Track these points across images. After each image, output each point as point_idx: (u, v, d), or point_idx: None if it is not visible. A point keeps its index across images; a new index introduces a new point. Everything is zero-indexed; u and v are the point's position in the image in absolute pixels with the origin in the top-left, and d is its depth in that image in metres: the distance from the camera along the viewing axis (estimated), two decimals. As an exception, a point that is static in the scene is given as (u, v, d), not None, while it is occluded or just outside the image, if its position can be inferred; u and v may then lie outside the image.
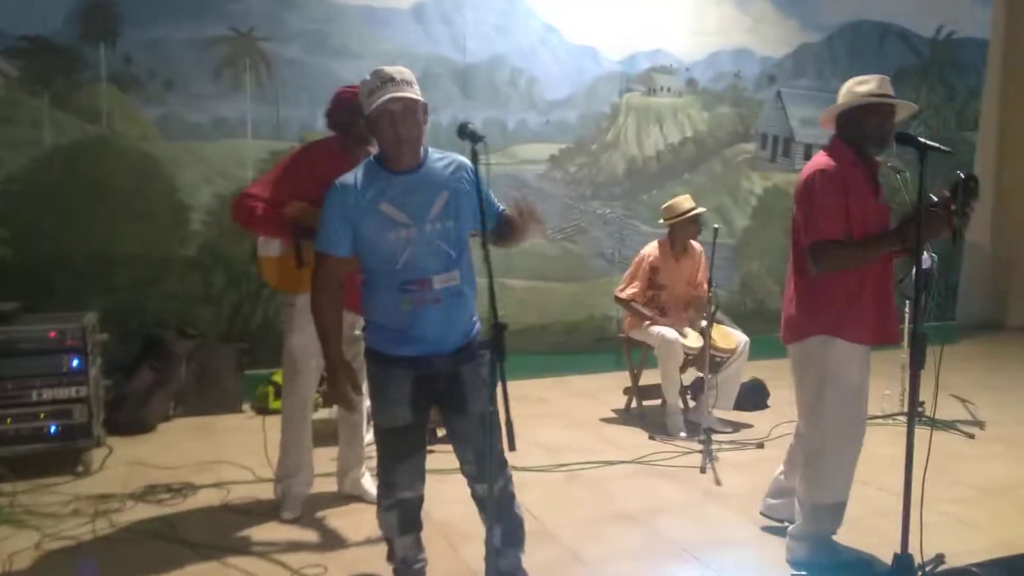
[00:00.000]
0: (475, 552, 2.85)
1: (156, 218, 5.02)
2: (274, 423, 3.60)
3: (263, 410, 4.87)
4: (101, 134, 4.86)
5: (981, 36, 7.47)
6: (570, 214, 6.19)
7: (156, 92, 4.96)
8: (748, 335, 4.82)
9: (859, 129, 2.83)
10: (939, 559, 2.83)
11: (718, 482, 3.90)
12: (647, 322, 4.81)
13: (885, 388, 5.10)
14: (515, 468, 3.97)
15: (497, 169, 5.90)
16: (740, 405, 5.22)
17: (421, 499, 2.58)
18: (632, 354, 5.14)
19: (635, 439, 4.62)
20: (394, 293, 2.33)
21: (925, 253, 4.90)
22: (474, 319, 2.50)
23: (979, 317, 8.49)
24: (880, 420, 4.94)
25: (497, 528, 2.48)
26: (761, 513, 3.37)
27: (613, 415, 5.18)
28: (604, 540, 3.27)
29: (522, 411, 5.25)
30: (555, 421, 5.02)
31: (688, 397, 5.12)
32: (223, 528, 3.33)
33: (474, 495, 2.58)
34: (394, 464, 2.50)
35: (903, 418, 4.96)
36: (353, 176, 2.35)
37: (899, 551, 2.53)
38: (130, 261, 5.00)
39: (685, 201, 4.81)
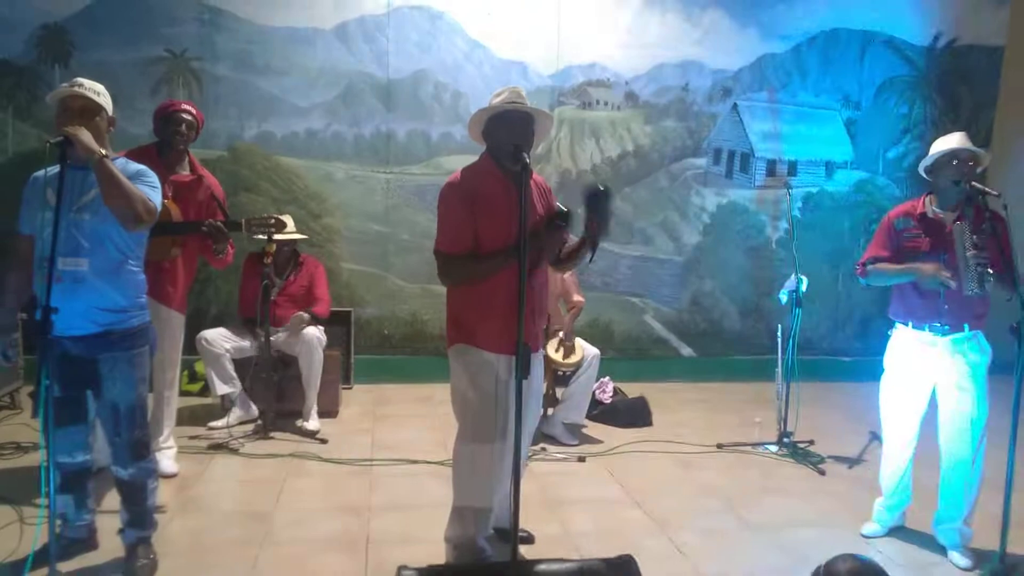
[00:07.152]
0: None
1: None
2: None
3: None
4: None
5: (993, 43, 6.73)
6: (500, 225, 6.30)
7: (103, 106, 5.69)
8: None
9: (494, 140, 2.87)
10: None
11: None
12: None
13: (756, 416, 4.84)
14: (322, 459, 4.27)
15: (422, 179, 6.19)
16: (615, 421, 5.14)
17: (82, 466, 2.94)
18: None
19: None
20: (37, 265, 2.73)
21: (792, 275, 4.63)
22: (120, 313, 2.80)
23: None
24: (749, 449, 4.70)
25: (124, 510, 2.93)
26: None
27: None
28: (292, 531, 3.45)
29: (409, 411, 5.47)
30: (424, 422, 5.17)
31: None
32: None
33: (111, 473, 2.92)
34: (54, 429, 2.88)
35: (774, 447, 4.70)
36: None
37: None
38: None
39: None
